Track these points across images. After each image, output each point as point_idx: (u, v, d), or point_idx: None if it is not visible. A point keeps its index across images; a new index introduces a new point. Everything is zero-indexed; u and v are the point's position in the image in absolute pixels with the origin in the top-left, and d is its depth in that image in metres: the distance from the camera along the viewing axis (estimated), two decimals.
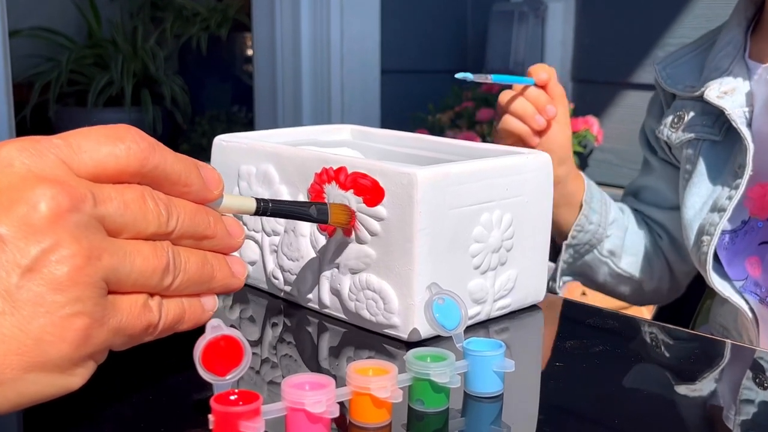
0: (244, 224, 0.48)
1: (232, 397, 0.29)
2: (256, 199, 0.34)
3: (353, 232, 0.41)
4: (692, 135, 0.65)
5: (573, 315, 0.49)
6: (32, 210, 0.25)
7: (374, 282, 0.41)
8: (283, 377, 0.30)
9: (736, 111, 0.60)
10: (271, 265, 0.48)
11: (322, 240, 0.44)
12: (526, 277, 0.46)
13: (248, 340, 0.30)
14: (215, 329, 0.29)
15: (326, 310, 0.45)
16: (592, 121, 1.65)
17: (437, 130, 1.63)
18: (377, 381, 0.31)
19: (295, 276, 0.46)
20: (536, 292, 0.47)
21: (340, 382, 0.32)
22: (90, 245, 0.26)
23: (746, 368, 0.41)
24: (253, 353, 0.39)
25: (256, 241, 0.49)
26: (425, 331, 0.40)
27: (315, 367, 0.39)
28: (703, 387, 0.38)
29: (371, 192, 0.40)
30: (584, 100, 1.70)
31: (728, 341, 0.45)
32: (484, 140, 1.54)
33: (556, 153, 0.65)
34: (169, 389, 0.36)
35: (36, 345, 0.25)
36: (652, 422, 0.34)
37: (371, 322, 0.42)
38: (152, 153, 0.28)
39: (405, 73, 1.85)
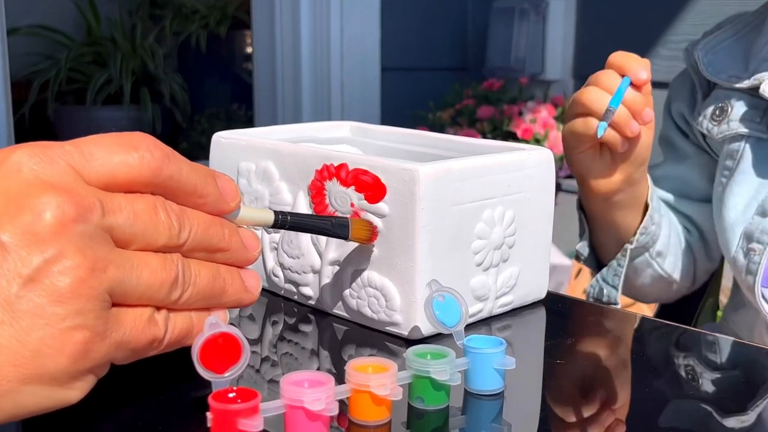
0: None
1: (230, 395, 0.28)
2: (275, 212, 0.33)
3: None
4: (738, 130, 0.59)
5: (575, 312, 0.49)
6: (37, 218, 0.24)
7: (376, 279, 0.41)
8: (283, 376, 0.30)
9: None
10: (271, 263, 0.47)
11: (322, 237, 0.43)
12: (528, 275, 0.46)
13: (248, 339, 0.30)
14: (213, 326, 0.29)
15: (327, 308, 0.44)
16: None
17: (438, 128, 1.63)
18: (377, 378, 0.31)
19: (295, 274, 0.45)
20: (538, 290, 0.47)
21: (341, 380, 0.32)
22: (95, 257, 0.25)
23: (750, 366, 0.41)
24: (253, 351, 0.39)
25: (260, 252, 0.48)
26: (427, 328, 0.40)
27: (315, 365, 0.39)
28: (707, 385, 0.38)
29: (373, 189, 0.40)
30: None
31: (731, 338, 0.44)
32: (484, 138, 1.53)
33: (640, 156, 0.58)
34: (167, 387, 0.36)
35: (34, 357, 0.24)
36: (654, 420, 0.34)
37: (372, 319, 0.42)
38: (166, 163, 0.27)
39: (405, 71, 1.85)
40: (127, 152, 0.27)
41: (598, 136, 0.54)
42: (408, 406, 0.33)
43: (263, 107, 1.86)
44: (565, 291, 1.50)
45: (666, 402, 0.36)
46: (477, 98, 1.66)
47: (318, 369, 0.38)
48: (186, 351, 0.29)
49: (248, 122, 2.51)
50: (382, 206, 0.40)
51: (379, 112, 1.79)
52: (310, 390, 0.29)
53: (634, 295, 0.72)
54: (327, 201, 0.42)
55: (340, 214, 0.41)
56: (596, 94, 0.56)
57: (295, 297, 0.46)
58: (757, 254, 0.57)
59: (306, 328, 0.44)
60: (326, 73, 1.74)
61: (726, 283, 0.72)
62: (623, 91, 0.55)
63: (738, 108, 0.61)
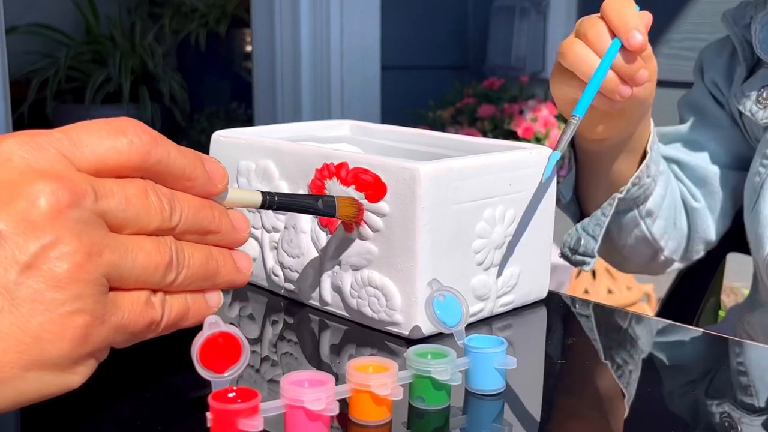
0: None
1: (230, 395, 0.28)
2: (262, 193, 0.33)
3: (355, 228, 0.41)
4: None
5: (576, 312, 0.49)
6: (31, 206, 0.25)
7: (376, 279, 0.41)
8: (283, 375, 0.30)
9: None
10: (271, 262, 0.47)
11: (323, 236, 0.43)
12: (529, 274, 0.45)
13: (248, 339, 0.30)
14: (213, 326, 0.29)
15: (327, 308, 0.44)
16: None
17: (438, 127, 1.62)
18: (377, 378, 0.30)
19: (295, 273, 0.45)
20: (539, 289, 0.47)
21: (342, 380, 0.32)
22: (91, 241, 0.25)
23: (754, 366, 0.41)
24: (253, 351, 0.39)
25: (256, 238, 0.48)
26: (427, 328, 0.40)
27: (316, 365, 0.39)
28: (708, 384, 0.38)
29: (373, 188, 0.39)
30: None
31: (732, 338, 0.44)
32: (485, 137, 1.53)
33: (637, 112, 0.53)
34: (167, 386, 0.36)
35: (35, 343, 0.25)
36: (655, 420, 0.34)
37: (373, 319, 0.41)
38: (155, 147, 0.28)
39: (405, 70, 1.85)
40: (116, 137, 0.27)
41: (544, 179, 0.43)
42: (408, 405, 0.33)
43: (263, 106, 1.86)
44: (566, 291, 1.50)
45: (668, 402, 0.36)
46: (477, 97, 1.66)
47: (317, 369, 0.38)
48: (186, 350, 0.29)
49: (248, 121, 2.50)
50: (382, 205, 0.40)
51: (379, 110, 1.79)
52: (311, 390, 0.29)
53: (613, 258, 0.66)
54: None
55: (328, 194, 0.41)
56: (582, 53, 0.48)
57: (295, 296, 0.46)
58: None
59: (305, 327, 0.44)
60: (326, 72, 1.74)
61: (728, 282, 0.72)
62: (609, 61, 0.47)
63: None
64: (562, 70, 0.50)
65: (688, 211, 0.65)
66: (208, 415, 0.28)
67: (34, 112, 2.46)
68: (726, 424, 0.34)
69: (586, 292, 1.55)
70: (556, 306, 0.48)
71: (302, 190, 0.44)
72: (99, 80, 2.50)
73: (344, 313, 0.43)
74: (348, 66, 1.74)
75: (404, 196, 0.39)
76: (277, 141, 0.47)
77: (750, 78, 0.59)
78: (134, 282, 0.27)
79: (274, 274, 0.47)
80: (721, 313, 0.75)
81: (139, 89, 2.55)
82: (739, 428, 0.34)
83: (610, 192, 0.58)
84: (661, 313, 0.79)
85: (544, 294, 0.47)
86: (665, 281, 0.79)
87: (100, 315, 0.26)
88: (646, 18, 0.48)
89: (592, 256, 0.58)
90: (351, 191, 0.40)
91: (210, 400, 0.28)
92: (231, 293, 0.48)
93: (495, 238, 0.42)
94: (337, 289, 0.43)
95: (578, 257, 0.59)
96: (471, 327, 0.43)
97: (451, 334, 0.35)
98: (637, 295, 1.58)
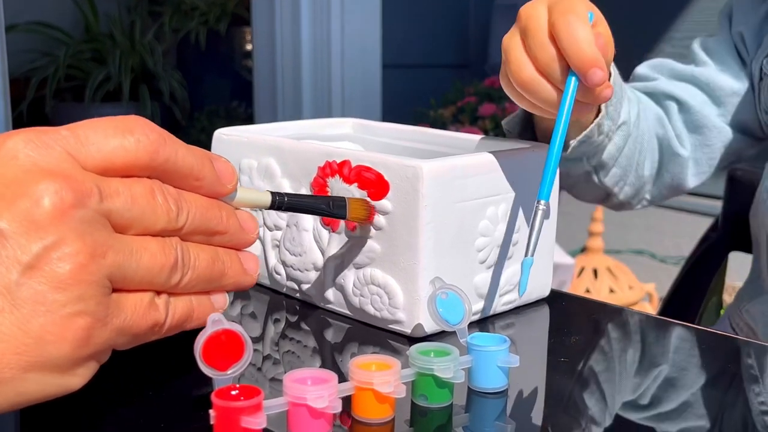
0: None
1: (233, 392, 0.28)
2: (272, 193, 0.33)
3: (357, 227, 0.41)
4: None
5: (578, 311, 0.49)
6: (35, 205, 0.24)
7: (379, 277, 0.41)
8: (285, 374, 0.30)
9: None
10: (273, 261, 0.47)
11: (325, 235, 0.43)
12: (532, 272, 0.45)
13: (250, 337, 0.30)
14: (216, 323, 0.29)
15: (330, 306, 0.44)
16: None
17: (439, 126, 1.62)
18: (380, 376, 0.30)
19: (297, 271, 0.45)
20: (542, 287, 0.47)
21: (344, 378, 0.31)
22: (94, 242, 0.25)
23: (754, 364, 0.41)
24: (255, 350, 0.39)
25: (258, 236, 0.48)
26: (430, 326, 0.40)
27: (318, 363, 0.39)
28: (710, 383, 0.38)
29: (376, 186, 0.39)
30: None
31: (733, 336, 0.44)
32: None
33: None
34: (170, 384, 0.36)
35: (36, 344, 0.24)
36: (657, 418, 0.34)
37: (375, 317, 0.41)
38: (163, 146, 0.27)
39: (406, 68, 1.84)
40: (123, 136, 0.27)
41: (520, 294, 0.39)
42: (411, 403, 0.33)
43: (263, 105, 1.86)
44: (568, 289, 1.50)
45: (670, 400, 0.36)
46: (479, 95, 1.66)
47: (320, 367, 0.38)
48: (188, 347, 0.29)
49: (248, 119, 2.50)
50: (385, 203, 0.39)
51: (380, 109, 1.79)
52: (314, 387, 0.29)
53: (564, 183, 0.58)
54: None
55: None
56: (535, 85, 0.40)
57: (297, 294, 0.46)
58: None
59: (308, 325, 0.44)
60: (327, 70, 1.74)
61: (730, 281, 0.71)
62: (569, 103, 0.40)
63: None
64: (509, 83, 0.43)
65: (666, 156, 0.61)
66: (211, 412, 0.28)
67: (34, 110, 2.45)
68: (732, 423, 0.34)
69: (588, 291, 1.55)
70: (558, 305, 0.48)
71: (304, 189, 0.44)
72: (98, 79, 2.49)
73: (346, 311, 0.43)
74: (349, 64, 1.73)
75: (407, 194, 0.39)
76: (279, 139, 0.46)
77: None
78: (138, 283, 0.27)
79: (276, 273, 0.47)
80: (723, 313, 0.75)
81: (138, 88, 2.55)
82: (746, 426, 0.34)
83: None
84: (663, 312, 0.79)
85: (546, 292, 0.47)
86: (667, 281, 0.79)
87: (102, 317, 0.25)
88: (602, 39, 0.40)
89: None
90: (354, 189, 0.40)
91: (213, 397, 0.28)
92: (233, 292, 0.48)
93: (497, 237, 0.42)
94: (340, 287, 0.43)
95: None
96: (473, 325, 0.43)
97: (454, 332, 0.35)
98: (639, 294, 1.58)
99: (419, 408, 0.33)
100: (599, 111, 0.50)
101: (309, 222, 0.44)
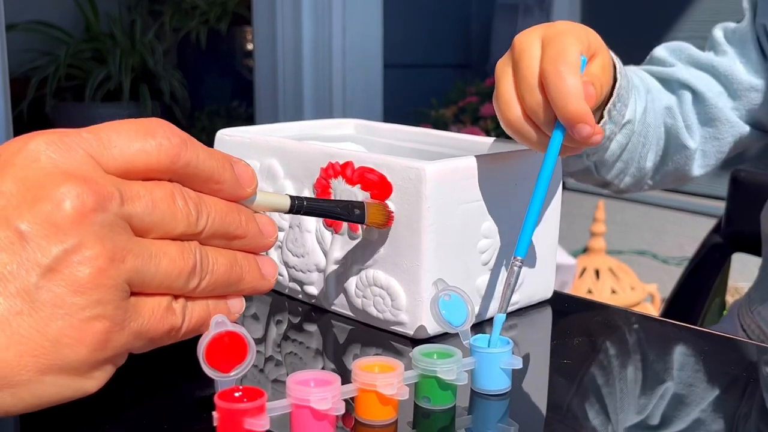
0: None
1: (236, 394, 0.28)
2: (291, 197, 0.32)
3: (360, 228, 0.41)
4: None
5: (581, 312, 0.49)
6: (56, 208, 0.24)
7: (381, 278, 0.40)
8: (288, 375, 0.30)
9: None
10: (275, 261, 0.47)
11: (328, 236, 0.43)
12: (534, 274, 0.45)
13: (252, 339, 0.30)
14: (219, 325, 0.29)
15: (332, 307, 0.44)
16: None
17: (440, 125, 1.62)
18: (383, 378, 0.30)
19: (300, 273, 0.45)
20: (545, 289, 0.47)
21: (347, 380, 0.31)
22: (114, 246, 0.25)
23: (757, 366, 0.41)
24: (258, 351, 0.39)
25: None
26: (432, 328, 0.40)
27: (320, 365, 0.39)
28: (712, 384, 0.38)
29: (378, 187, 0.39)
30: None
31: (735, 338, 0.44)
32: (488, 136, 1.53)
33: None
34: (173, 386, 0.36)
35: (53, 347, 0.24)
36: (660, 419, 0.34)
37: (378, 319, 0.41)
38: (184, 149, 0.27)
39: (408, 68, 1.84)
40: (145, 139, 0.27)
41: (490, 344, 0.36)
42: (414, 405, 0.33)
43: (264, 104, 1.86)
44: (569, 290, 1.50)
45: (673, 401, 0.36)
46: (480, 95, 1.66)
47: (323, 368, 0.38)
48: (192, 349, 0.28)
49: (249, 119, 2.50)
50: (388, 205, 0.39)
51: (381, 109, 1.79)
52: (317, 389, 0.29)
53: (563, 171, 0.51)
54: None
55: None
56: (523, 130, 0.40)
57: (300, 296, 0.46)
58: None
59: (310, 327, 0.44)
60: (328, 70, 1.73)
61: (732, 282, 0.71)
62: (552, 163, 0.38)
63: None
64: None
65: (673, 147, 0.59)
66: (215, 414, 0.28)
67: (34, 110, 2.45)
68: (734, 424, 0.34)
69: (590, 292, 1.55)
70: (561, 306, 0.48)
71: (307, 190, 0.44)
72: (99, 78, 2.49)
73: (349, 313, 0.43)
74: (350, 64, 1.73)
75: (410, 195, 0.38)
76: (281, 140, 0.46)
77: None
78: (156, 287, 0.27)
79: (279, 274, 0.47)
80: (726, 314, 0.75)
81: (139, 87, 2.55)
82: (749, 426, 0.34)
83: None
84: (665, 314, 0.79)
85: (549, 294, 0.47)
86: (669, 281, 0.79)
87: (120, 321, 0.25)
88: (591, 88, 0.38)
89: None
90: (356, 190, 0.40)
91: (216, 399, 0.28)
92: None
93: (500, 238, 0.42)
94: (342, 289, 0.43)
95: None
96: (476, 327, 0.42)
97: (457, 334, 0.35)
98: (641, 295, 1.58)
99: (422, 410, 0.33)
100: (602, 114, 0.47)
101: (312, 223, 0.44)
